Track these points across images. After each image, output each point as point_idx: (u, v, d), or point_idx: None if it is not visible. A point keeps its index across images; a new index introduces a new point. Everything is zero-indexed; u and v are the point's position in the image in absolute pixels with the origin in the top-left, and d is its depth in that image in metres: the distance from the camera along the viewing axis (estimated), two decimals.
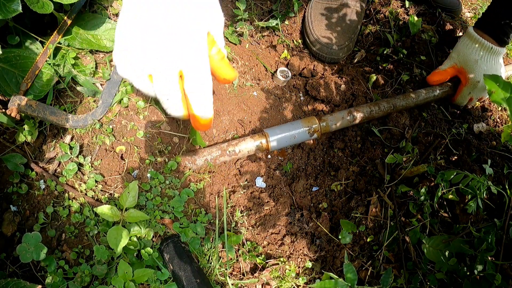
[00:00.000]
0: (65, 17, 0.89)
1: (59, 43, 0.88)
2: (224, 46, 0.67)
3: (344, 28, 1.06)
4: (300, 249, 0.87)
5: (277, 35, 1.09)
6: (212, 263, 0.82)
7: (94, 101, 0.90)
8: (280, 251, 0.87)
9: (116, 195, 0.84)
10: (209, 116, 0.63)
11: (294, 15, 1.12)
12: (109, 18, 0.94)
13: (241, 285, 0.82)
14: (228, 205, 0.90)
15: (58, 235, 0.82)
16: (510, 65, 1.17)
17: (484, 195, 0.75)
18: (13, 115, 0.79)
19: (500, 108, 1.13)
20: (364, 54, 1.12)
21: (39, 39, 0.88)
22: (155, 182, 0.86)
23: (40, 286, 0.65)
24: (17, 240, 0.80)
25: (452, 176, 0.76)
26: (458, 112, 1.09)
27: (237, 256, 0.85)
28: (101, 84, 0.91)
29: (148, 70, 0.58)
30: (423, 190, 0.83)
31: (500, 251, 0.70)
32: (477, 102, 1.11)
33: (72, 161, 0.84)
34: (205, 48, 0.59)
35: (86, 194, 0.83)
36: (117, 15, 0.98)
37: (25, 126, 0.84)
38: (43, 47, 0.86)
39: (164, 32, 0.55)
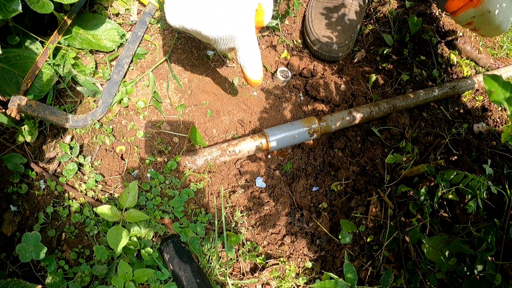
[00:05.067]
0: (65, 17, 0.89)
1: (59, 43, 0.88)
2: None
3: (344, 27, 1.06)
4: (300, 249, 0.87)
5: (277, 35, 1.09)
6: (212, 263, 0.82)
7: (94, 101, 0.90)
8: (280, 251, 0.87)
9: (116, 195, 0.84)
10: (260, 78, 0.76)
11: (294, 15, 1.11)
12: (109, 18, 0.94)
13: (241, 285, 0.82)
14: (228, 205, 0.90)
15: (58, 235, 0.82)
16: (511, 65, 1.17)
17: (484, 195, 0.75)
18: (13, 115, 0.79)
19: (500, 108, 1.13)
20: (364, 54, 1.12)
21: (39, 39, 0.88)
22: (155, 182, 0.86)
23: (40, 286, 0.65)
24: (17, 240, 0.80)
25: (452, 176, 0.76)
26: (461, 111, 1.09)
27: (237, 256, 0.85)
28: (101, 84, 0.91)
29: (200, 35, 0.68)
30: (423, 190, 0.83)
31: (500, 251, 0.70)
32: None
33: (72, 161, 0.84)
34: (253, 27, 0.69)
35: (86, 194, 0.83)
36: (117, 15, 0.98)
37: (25, 126, 0.84)
38: (43, 47, 0.86)
39: (219, 13, 0.65)
